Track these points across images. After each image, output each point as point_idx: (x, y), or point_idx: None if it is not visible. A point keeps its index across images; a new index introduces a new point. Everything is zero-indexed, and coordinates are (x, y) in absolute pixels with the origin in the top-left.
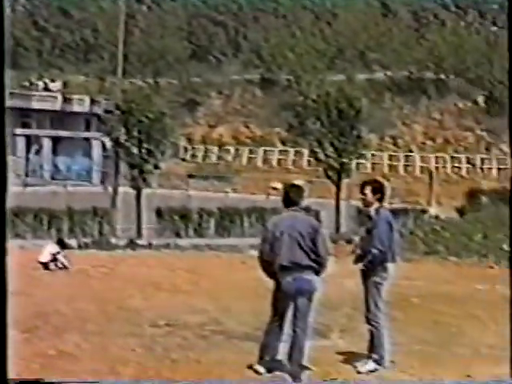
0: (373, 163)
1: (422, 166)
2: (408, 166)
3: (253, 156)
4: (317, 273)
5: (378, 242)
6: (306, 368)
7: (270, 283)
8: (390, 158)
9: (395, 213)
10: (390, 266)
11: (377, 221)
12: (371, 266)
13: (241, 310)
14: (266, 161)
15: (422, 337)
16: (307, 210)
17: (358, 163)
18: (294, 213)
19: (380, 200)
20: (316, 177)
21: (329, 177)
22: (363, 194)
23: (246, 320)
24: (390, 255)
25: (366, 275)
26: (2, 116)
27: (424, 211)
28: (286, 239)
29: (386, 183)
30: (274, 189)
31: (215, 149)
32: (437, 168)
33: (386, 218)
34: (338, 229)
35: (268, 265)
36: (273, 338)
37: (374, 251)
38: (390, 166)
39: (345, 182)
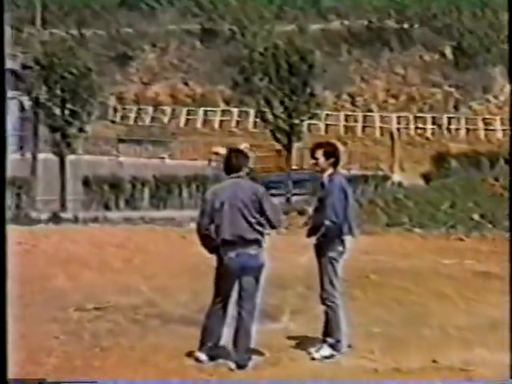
0: (327, 124)
1: (382, 128)
2: (367, 127)
3: (192, 117)
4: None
5: (331, 213)
6: (254, 354)
7: (212, 260)
8: (347, 118)
9: (353, 180)
10: (346, 239)
11: (330, 189)
12: (325, 239)
13: (179, 290)
14: (207, 122)
15: (384, 318)
16: (253, 177)
17: (310, 124)
18: (237, 180)
19: (334, 165)
20: (263, 140)
21: (278, 140)
22: (314, 158)
23: (185, 301)
24: (347, 227)
25: (320, 250)
26: (3, 117)
27: (386, 178)
28: (227, 210)
29: (340, 146)
30: (216, 154)
31: (149, 109)
32: (399, 129)
33: (341, 186)
34: (288, 199)
35: (208, 239)
36: (215, 322)
37: (328, 223)
38: (347, 128)
39: (296, 146)
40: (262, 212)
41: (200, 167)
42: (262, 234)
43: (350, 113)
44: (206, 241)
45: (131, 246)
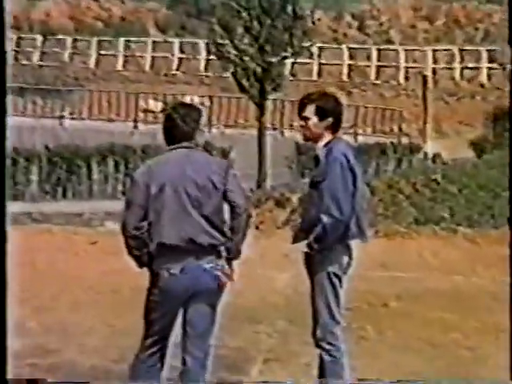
0: (322, 64)
1: (409, 69)
2: (385, 67)
3: (108, 53)
4: (228, 257)
5: (331, 204)
6: None
7: (142, 278)
8: (353, 54)
9: (363, 152)
10: (354, 245)
11: (328, 166)
12: (321, 245)
13: (87, 328)
14: (130, 61)
15: (410, 368)
16: (208, 148)
17: (295, 64)
18: (186, 152)
19: (333, 129)
20: (222, 90)
21: (244, 89)
22: (303, 118)
23: (97, 346)
24: (355, 226)
25: (313, 262)
26: (3, 118)
27: (414, 149)
28: (169, 199)
29: (342, 99)
30: (147, 111)
31: (38, 38)
32: (436, 71)
33: (345, 161)
34: (260, 183)
35: (138, 245)
36: (147, 376)
37: (326, 220)
38: (353, 69)
39: (273, 98)
40: (225, 197)
41: (121, 133)
42: (223, 236)
43: (356, 45)
44: (135, 247)
45: (14, 256)
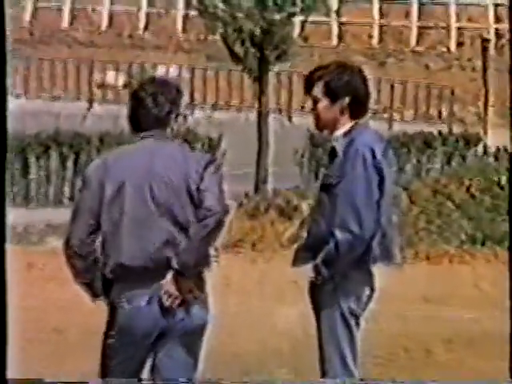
0: (344, 23)
1: (463, 30)
2: (430, 28)
3: (48, 4)
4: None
5: (348, 214)
6: None
7: (97, 313)
8: (386, 9)
9: (398, 145)
10: (376, 271)
11: (347, 163)
12: (332, 270)
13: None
14: (80, 17)
15: None
16: (190, 137)
17: (306, 22)
18: (155, 143)
19: (354, 114)
20: (207, 58)
21: (238, 58)
22: (314, 99)
23: None
24: (379, 246)
25: (320, 295)
26: (4, 120)
27: (471, 140)
28: (130, 203)
29: (366, 72)
30: (104, 87)
31: None
32: (498, 34)
33: (369, 157)
34: (259, 186)
35: (87, 267)
36: None
37: (340, 236)
38: (385, 30)
39: (277, 70)
40: (198, 201)
41: (69, 116)
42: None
43: None
44: (83, 270)
45: None
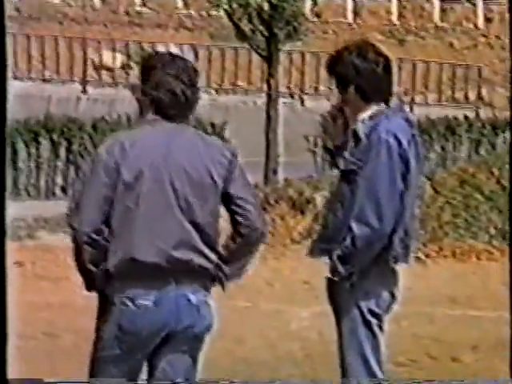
0: None
1: (490, 4)
2: (455, 2)
3: None
4: (219, 281)
5: (368, 206)
6: None
7: (92, 313)
8: None
9: (424, 131)
10: (400, 269)
11: (370, 150)
12: (349, 268)
13: None
14: None
15: None
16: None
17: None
18: (173, 128)
19: (376, 98)
20: (211, 36)
21: (244, 36)
22: (337, 84)
23: None
24: (400, 244)
25: (338, 293)
26: (4, 120)
27: (501, 125)
28: (147, 193)
29: (388, 53)
30: (100, 68)
31: None
32: None
33: (394, 144)
34: (267, 175)
35: (97, 256)
36: None
37: (358, 230)
38: (405, 5)
39: (288, 49)
40: (227, 202)
41: (61, 99)
42: (217, 255)
43: None
44: (92, 259)
45: None
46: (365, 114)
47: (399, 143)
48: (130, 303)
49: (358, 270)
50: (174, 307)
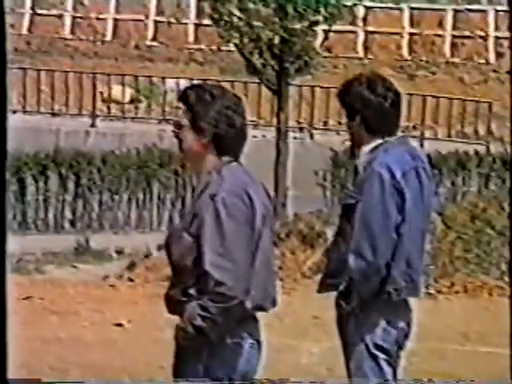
0: (371, 32)
1: (501, 39)
2: (466, 37)
3: (48, 12)
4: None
5: (363, 239)
6: None
7: (105, 351)
8: (417, 16)
9: (434, 165)
10: (414, 303)
11: (366, 183)
12: (350, 301)
13: None
14: (83, 25)
15: None
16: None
17: (330, 32)
18: (242, 168)
19: (381, 130)
20: (221, 70)
21: (255, 70)
22: (348, 115)
23: None
24: (402, 276)
25: (345, 327)
26: (4, 119)
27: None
28: (264, 239)
29: (394, 85)
30: (109, 101)
31: None
32: None
33: (386, 176)
34: (276, 208)
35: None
36: None
37: (353, 263)
38: (416, 40)
39: (298, 84)
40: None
41: (70, 133)
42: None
43: (423, 5)
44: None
45: None
46: (367, 147)
47: (392, 175)
48: (246, 345)
49: (359, 303)
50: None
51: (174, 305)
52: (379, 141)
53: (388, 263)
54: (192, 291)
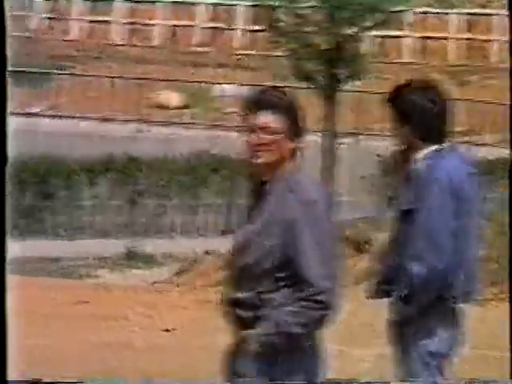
0: (418, 37)
1: None
2: None
3: (99, 18)
4: None
5: (425, 245)
6: None
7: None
8: (465, 20)
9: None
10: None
11: (425, 188)
12: (409, 309)
13: None
14: (133, 31)
15: None
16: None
17: (378, 37)
18: None
19: (434, 137)
20: (272, 76)
21: (307, 76)
22: (398, 121)
23: None
24: (461, 283)
25: (397, 334)
26: (4, 118)
27: None
28: None
29: (444, 91)
30: (159, 107)
31: None
32: None
33: (445, 181)
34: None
35: None
36: None
37: (416, 269)
38: (465, 45)
39: (347, 89)
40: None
41: (120, 138)
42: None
43: (478, 9)
44: None
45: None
46: (421, 153)
47: (451, 181)
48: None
49: (417, 310)
50: None
51: (243, 310)
52: (432, 147)
53: (448, 269)
54: (272, 296)
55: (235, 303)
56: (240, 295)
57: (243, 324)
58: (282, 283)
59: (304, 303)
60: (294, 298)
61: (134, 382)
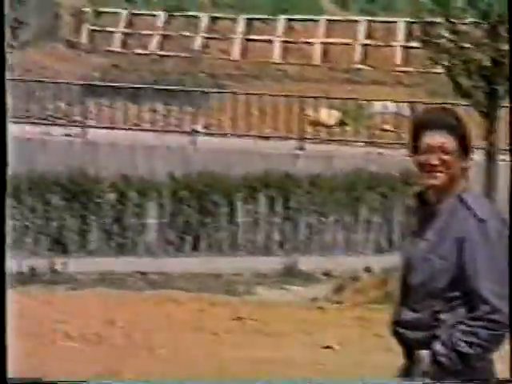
0: None
1: None
2: None
3: (259, 37)
4: None
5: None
6: None
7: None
8: None
9: None
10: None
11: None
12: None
13: None
14: (292, 50)
15: None
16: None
17: None
18: None
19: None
20: (429, 93)
21: (465, 93)
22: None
23: None
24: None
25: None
26: (4, 117)
27: None
28: None
29: None
30: (317, 124)
31: (158, 16)
32: None
33: None
34: None
35: None
36: None
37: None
38: None
39: (506, 105)
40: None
41: (279, 156)
42: None
43: None
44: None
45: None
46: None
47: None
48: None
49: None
50: None
51: (411, 330)
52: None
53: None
54: (445, 316)
55: (404, 323)
56: (411, 315)
57: (413, 344)
58: (455, 303)
59: (479, 323)
60: (467, 318)
61: (134, 382)
